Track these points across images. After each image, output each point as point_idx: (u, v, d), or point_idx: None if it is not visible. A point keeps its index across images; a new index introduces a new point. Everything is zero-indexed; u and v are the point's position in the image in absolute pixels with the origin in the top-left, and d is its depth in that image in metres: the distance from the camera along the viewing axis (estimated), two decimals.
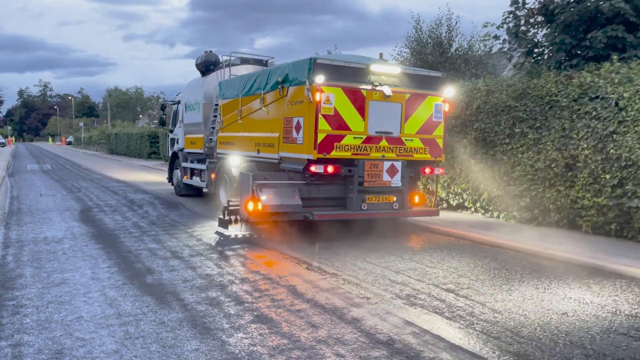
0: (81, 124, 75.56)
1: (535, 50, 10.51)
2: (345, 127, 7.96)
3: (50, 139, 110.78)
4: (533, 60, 10.54)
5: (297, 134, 8.06)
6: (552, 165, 8.79)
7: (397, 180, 8.37)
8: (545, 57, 10.23)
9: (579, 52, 9.58)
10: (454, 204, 11.20)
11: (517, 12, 10.40)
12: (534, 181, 9.16)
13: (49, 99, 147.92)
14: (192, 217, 10.88)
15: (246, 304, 5.24)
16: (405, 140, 8.47)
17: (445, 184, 11.13)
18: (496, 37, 10.60)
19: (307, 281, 6.11)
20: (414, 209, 9.06)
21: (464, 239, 8.81)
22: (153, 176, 21.77)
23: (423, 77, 8.75)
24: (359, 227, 9.08)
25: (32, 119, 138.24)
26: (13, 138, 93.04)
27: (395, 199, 8.48)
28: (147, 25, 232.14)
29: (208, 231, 9.31)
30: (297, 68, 8.14)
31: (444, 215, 10.41)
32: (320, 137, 7.78)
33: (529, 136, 9.20)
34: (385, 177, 8.29)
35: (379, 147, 8.25)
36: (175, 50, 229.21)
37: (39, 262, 6.83)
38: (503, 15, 10.41)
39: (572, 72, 8.99)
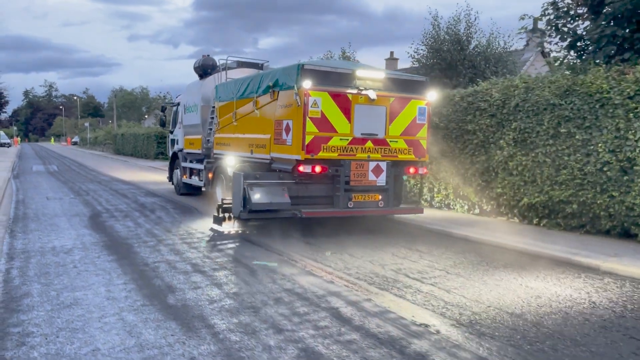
0: (86, 124, 75.16)
1: (578, 43, 9.78)
2: (332, 130, 8.31)
3: (52, 139, 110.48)
4: (575, 55, 9.81)
5: (287, 136, 8.43)
6: (605, 169, 8.05)
7: (382, 180, 8.76)
8: (590, 51, 9.49)
9: (630, 45, 8.83)
10: (488, 209, 10.48)
11: (558, 3, 9.66)
12: (582, 186, 8.42)
13: (54, 99, 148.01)
14: (209, 224, 10.21)
15: (286, 332, 4.55)
16: (390, 141, 8.81)
17: (479, 188, 10.41)
18: (534, 30, 9.88)
19: (351, 302, 5.42)
20: (399, 206, 9.45)
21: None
22: (161, 177, 21.10)
23: (407, 81, 9.15)
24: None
25: (37, 119, 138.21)
26: (19, 138, 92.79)
27: (380, 197, 8.85)
28: (151, 26, 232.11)
29: (230, 242, 8.62)
30: (286, 73, 8.53)
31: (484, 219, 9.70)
32: (308, 138, 8.12)
33: (577, 137, 8.46)
34: (371, 176, 8.67)
35: (365, 148, 8.60)
36: (179, 51, 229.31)
37: (47, 278, 6.16)
38: (542, 7, 9.69)
39: (624, 66, 8.24)
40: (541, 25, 9.99)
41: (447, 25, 20.52)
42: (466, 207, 10.96)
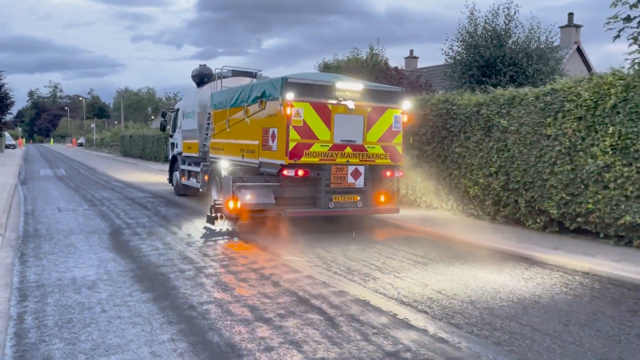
0: (93, 125, 73.97)
1: None
2: (314, 137, 8.99)
3: (51, 140, 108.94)
4: None
5: (273, 142, 9.18)
6: None
7: (360, 182, 9.44)
8: None
9: None
10: (571, 227, 9.03)
11: None
12: None
13: (59, 100, 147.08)
14: (245, 241, 8.82)
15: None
16: (368, 147, 9.50)
17: (563, 204, 8.96)
18: (628, 19, 8.50)
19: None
20: (377, 207, 10.08)
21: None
22: None
23: (383, 92, 9.83)
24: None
25: (42, 120, 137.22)
26: (24, 140, 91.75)
27: (359, 198, 9.50)
28: (154, 27, 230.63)
29: (287, 273, 7.19)
30: (272, 85, 9.24)
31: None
32: (291, 145, 8.82)
33: None
34: (350, 179, 9.35)
35: (344, 154, 9.30)
36: (182, 51, 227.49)
37: (71, 330, 4.77)
38: None
39: None
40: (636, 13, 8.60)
41: (484, 20, 19.11)
42: (542, 223, 9.52)
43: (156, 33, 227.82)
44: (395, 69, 19.40)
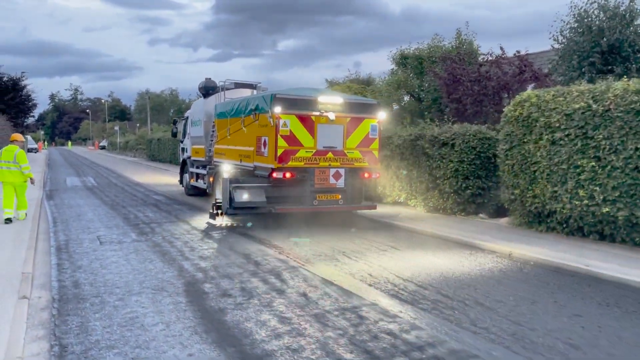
0: (116, 127, 71.63)
1: None
2: (299, 144, 10.35)
3: (69, 143, 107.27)
4: None
5: (264, 149, 10.57)
6: None
7: (341, 183, 10.72)
8: None
9: None
10: None
11: None
12: None
13: (80, 103, 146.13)
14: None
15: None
16: (347, 152, 10.76)
17: None
18: None
19: None
20: (356, 204, 11.31)
21: None
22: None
23: (361, 104, 11.21)
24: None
25: (63, 123, 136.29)
26: (45, 143, 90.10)
27: (340, 196, 10.77)
28: (171, 30, 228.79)
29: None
30: (263, 100, 10.59)
31: None
32: (280, 151, 10.19)
33: None
34: (332, 180, 10.65)
35: (326, 158, 10.61)
36: (198, 54, 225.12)
37: None
38: None
39: None
40: None
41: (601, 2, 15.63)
42: None
43: (173, 36, 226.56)
44: (520, 56, 15.84)
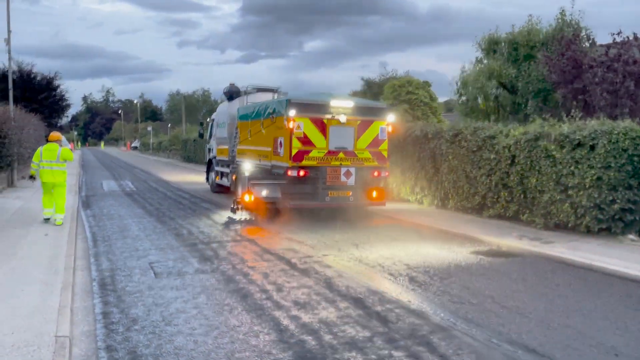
0: (149, 128, 70.61)
1: None
2: (312, 145, 11.07)
3: (102, 143, 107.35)
4: None
5: (280, 149, 11.33)
6: None
7: (351, 181, 11.30)
8: None
9: None
10: None
11: None
12: None
13: (112, 104, 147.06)
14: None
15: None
16: (357, 152, 11.39)
17: None
18: None
19: None
20: (366, 200, 11.80)
21: None
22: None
23: (370, 108, 12.01)
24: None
25: (95, 123, 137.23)
26: (78, 143, 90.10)
27: (351, 193, 11.39)
28: (199, 32, 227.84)
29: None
30: (279, 104, 11.45)
31: None
32: (294, 151, 10.92)
33: None
34: (343, 178, 11.24)
35: (338, 158, 11.24)
36: (225, 56, 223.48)
37: None
38: None
39: None
40: None
41: None
42: None
43: (201, 38, 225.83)
44: None
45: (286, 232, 10.38)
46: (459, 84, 16.92)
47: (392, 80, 22.48)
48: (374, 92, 64.68)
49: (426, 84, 22.08)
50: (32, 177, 11.15)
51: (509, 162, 10.72)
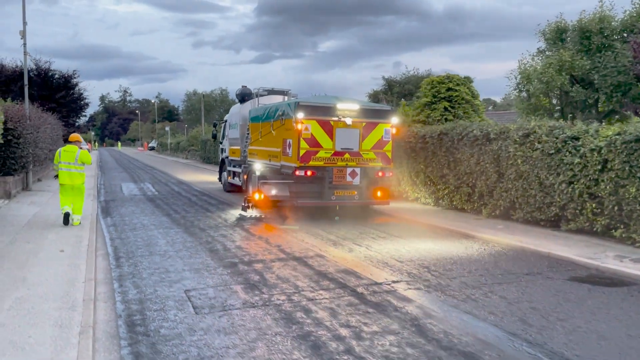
0: (167, 128, 69.75)
1: None
2: (319, 146, 11.52)
3: (119, 144, 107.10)
4: None
5: (289, 150, 11.76)
6: None
7: (357, 181, 11.76)
8: None
9: None
10: None
11: None
12: None
13: (128, 104, 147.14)
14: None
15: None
16: (363, 153, 11.84)
17: None
18: None
19: None
20: (371, 199, 12.20)
21: None
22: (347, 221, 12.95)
23: (375, 110, 12.37)
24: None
25: (113, 124, 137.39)
26: (95, 144, 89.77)
27: (356, 192, 11.84)
28: (214, 32, 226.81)
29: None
30: (288, 107, 11.92)
31: None
32: (302, 152, 11.39)
33: None
34: (348, 178, 11.69)
35: (343, 158, 11.72)
36: (240, 56, 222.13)
37: None
38: None
39: None
40: None
41: None
42: None
43: (216, 39, 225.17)
44: None
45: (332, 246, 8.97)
46: (518, 78, 15.19)
47: (431, 76, 20.78)
48: (395, 91, 63.09)
49: (467, 80, 20.38)
50: (57, 177, 10.69)
51: (598, 167, 9.11)
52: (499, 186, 11.32)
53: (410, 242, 9.59)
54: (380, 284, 6.84)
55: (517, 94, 14.86)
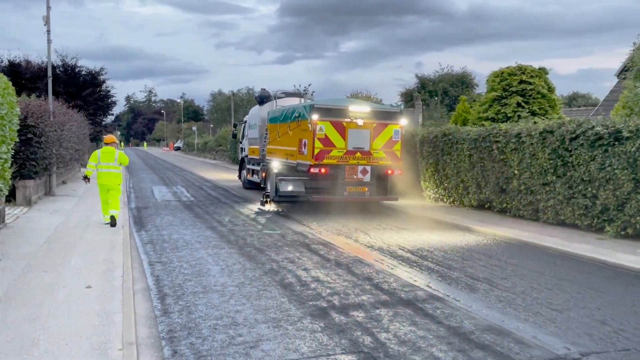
0: (194, 127, 68.40)
1: None
2: (332, 145, 12.38)
3: (144, 143, 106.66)
4: None
5: (304, 149, 12.65)
6: None
7: (367, 178, 12.67)
8: None
9: None
10: None
11: None
12: None
13: (154, 104, 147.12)
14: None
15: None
16: (373, 152, 12.70)
17: None
18: None
19: None
20: (380, 196, 13.24)
21: None
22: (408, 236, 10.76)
23: (385, 112, 13.32)
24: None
25: (138, 123, 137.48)
26: (121, 143, 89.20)
27: (366, 189, 12.76)
28: (237, 33, 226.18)
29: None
30: (304, 109, 12.79)
31: None
32: (316, 151, 12.25)
33: None
34: (360, 175, 12.62)
35: (355, 157, 12.58)
36: (262, 57, 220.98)
37: None
38: None
39: None
40: None
41: None
42: None
43: (239, 40, 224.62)
44: None
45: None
46: (634, 69, 12.65)
47: (502, 68, 18.31)
48: (428, 89, 60.33)
49: (542, 72, 17.90)
50: (86, 178, 11.07)
51: None
52: (634, 197, 8.88)
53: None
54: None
55: (632, 85, 12.35)
